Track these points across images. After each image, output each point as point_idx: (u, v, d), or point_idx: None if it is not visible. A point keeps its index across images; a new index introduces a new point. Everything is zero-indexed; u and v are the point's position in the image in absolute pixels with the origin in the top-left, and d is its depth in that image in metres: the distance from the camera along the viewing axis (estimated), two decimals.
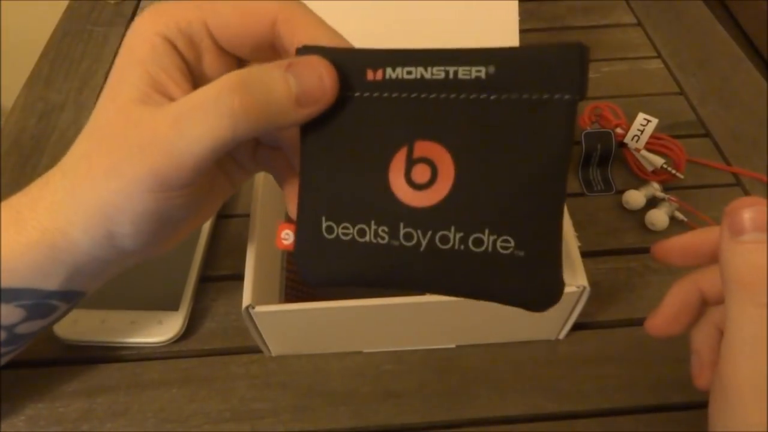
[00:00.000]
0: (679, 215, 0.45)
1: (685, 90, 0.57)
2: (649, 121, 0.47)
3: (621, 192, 0.47)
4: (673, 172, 0.47)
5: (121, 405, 0.37)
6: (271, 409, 0.37)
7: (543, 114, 0.22)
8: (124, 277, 0.41)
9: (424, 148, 0.23)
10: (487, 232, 0.22)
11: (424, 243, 0.23)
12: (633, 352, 0.39)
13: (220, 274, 0.43)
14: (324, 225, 0.24)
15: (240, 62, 0.27)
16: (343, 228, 0.24)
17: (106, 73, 0.60)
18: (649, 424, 0.36)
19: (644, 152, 0.47)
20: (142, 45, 0.24)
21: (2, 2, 1.07)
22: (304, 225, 0.25)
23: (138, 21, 0.25)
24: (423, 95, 0.23)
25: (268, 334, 0.36)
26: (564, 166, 0.22)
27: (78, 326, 0.39)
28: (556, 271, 0.23)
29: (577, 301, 0.35)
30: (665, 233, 0.45)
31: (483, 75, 0.22)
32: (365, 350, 0.39)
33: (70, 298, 0.29)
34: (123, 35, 0.63)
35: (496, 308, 0.35)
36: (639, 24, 0.65)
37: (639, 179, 0.48)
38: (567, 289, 0.34)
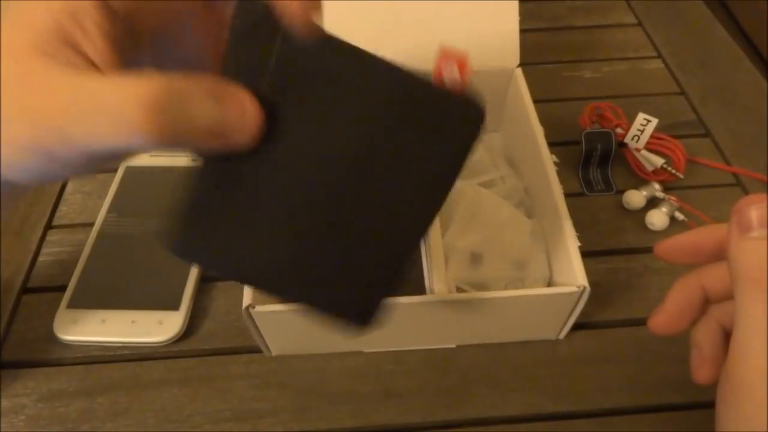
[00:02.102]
0: (680, 215, 0.45)
1: (686, 90, 0.57)
2: (649, 121, 0.47)
3: (621, 192, 0.47)
4: (673, 172, 0.47)
5: (122, 405, 0.37)
6: (271, 408, 0.37)
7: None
8: (124, 276, 0.41)
9: None
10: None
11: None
12: (633, 351, 0.39)
13: None
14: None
15: None
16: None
17: None
18: (649, 424, 0.36)
19: (644, 152, 0.47)
20: None
21: (2, 2, 1.07)
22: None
23: None
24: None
25: (269, 334, 0.36)
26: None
27: (78, 326, 0.39)
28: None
29: (578, 301, 0.35)
30: (665, 233, 0.45)
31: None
32: (366, 350, 0.39)
33: None
34: None
35: (496, 308, 0.36)
36: (639, 24, 0.65)
37: (639, 179, 0.48)
38: (567, 289, 0.34)
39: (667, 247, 0.26)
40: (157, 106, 0.19)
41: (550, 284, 0.40)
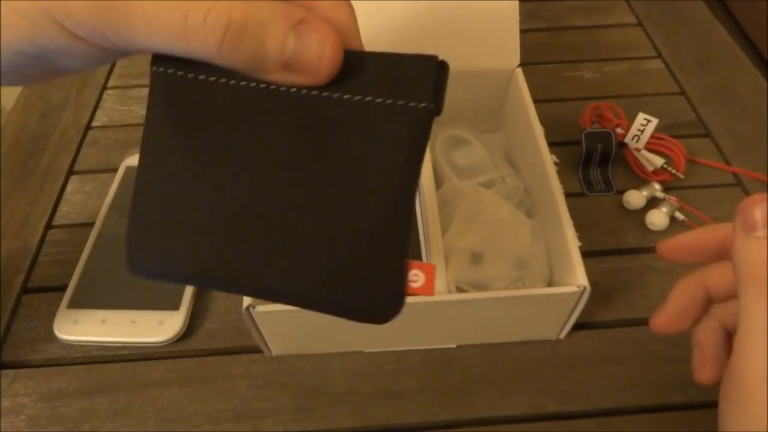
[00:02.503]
0: (680, 215, 0.45)
1: (686, 90, 0.57)
2: (649, 120, 0.47)
3: (621, 192, 0.47)
4: (674, 171, 0.47)
5: (122, 405, 0.37)
6: (271, 409, 0.37)
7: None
8: (124, 277, 0.41)
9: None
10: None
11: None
12: (633, 351, 0.39)
13: None
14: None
15: None
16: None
17: (107, 72, 0.60)
18: (649, 424, 0.36)
19: (644, 152, 0.47)
20: None
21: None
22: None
23: None
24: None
25: (269, 334, 0.36)
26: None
27: (78, 326, 0.39)
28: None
29: (578, 301, 0.35)
30: (665, 233, 0.45)
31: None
32: (366, 350, 0.39)
33: None
34: None
35: (496, 308, 0.36)
36: (639, 24, 0.65)
37: (639, 179, 0.48)
38: (567, 289, 0.34)
39: (670, 246, 0.26)
40: (239, 29, 0.19)
41: (550, 284, 0.40)
